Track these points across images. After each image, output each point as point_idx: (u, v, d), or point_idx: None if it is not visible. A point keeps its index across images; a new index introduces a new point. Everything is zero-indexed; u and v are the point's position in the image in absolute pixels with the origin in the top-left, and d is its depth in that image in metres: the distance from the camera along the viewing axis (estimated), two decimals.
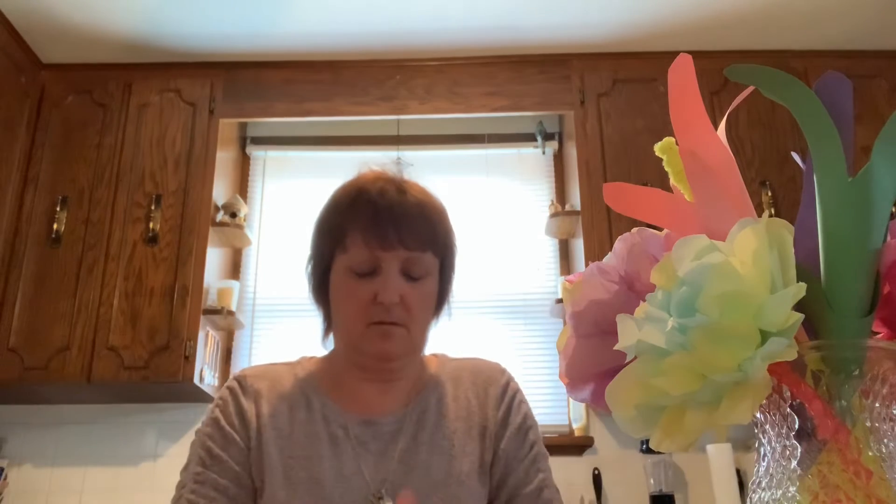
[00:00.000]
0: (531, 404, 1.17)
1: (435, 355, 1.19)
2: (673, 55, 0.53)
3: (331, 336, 1.12)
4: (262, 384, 1.10)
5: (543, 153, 3.16)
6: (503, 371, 1.17)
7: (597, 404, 0.52)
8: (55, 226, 2.71)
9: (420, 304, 1.04)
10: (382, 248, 1.01)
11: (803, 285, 0.43)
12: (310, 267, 1.10)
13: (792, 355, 0.42)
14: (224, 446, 1.04)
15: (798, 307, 0.43)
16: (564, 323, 0.55)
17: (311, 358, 1.17)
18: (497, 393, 1.13)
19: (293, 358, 1.18)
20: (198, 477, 1.02)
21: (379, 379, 1.09)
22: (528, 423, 1.13)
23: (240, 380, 1.10)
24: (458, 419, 1.09)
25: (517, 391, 1.15)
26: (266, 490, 1.02)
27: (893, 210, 0.49)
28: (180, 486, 1.03)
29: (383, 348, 1.03)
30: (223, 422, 1.06)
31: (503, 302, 2.98)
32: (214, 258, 2.82)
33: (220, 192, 2.91)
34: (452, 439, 1.07)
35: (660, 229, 0.54)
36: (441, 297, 1.10)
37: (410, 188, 1.06)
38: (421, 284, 1.04)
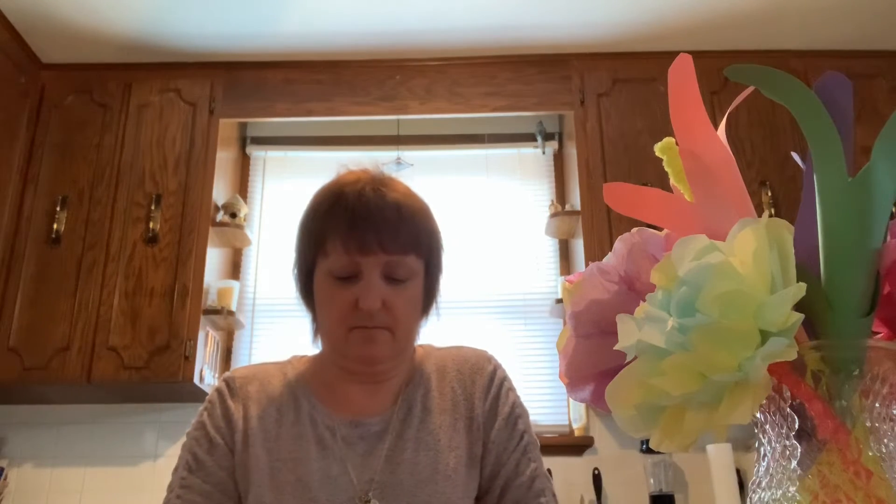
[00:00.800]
0: (531, 404, 1.16)
1: (421, 346, 1.17)
2: (673, 55, 0.53)
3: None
4: (250, 386, 1.10)
5: (543, 153, 3.16)
6: (489, 359, 1.16)
7: (597, 404, 0.52)
8: (55, 226, 2.71)
9: (404, 307, 1.02)
10: (362, 254, 0.99)
11: (803, 285, 0.43)
12: (295, 270, 1.10)
13: (792, 355, 0.42)
14: (209, 450, 1.05)
15: (798, 307, 0.43)
16: (564, 323, 0.55)
17: (302, 357, 1.16)
18: (484, 382, 1.12)
19: (284, 357, 1.18)
20: (184, 482, 1.04)
21: (366, 381, 1.08)
22: (516, 411, 1.11)
23: (228, 381, 1.11)
24: (444, 412, 1.09)
25: (504, 379, 1.14)
26: (252, 492, 1.02)
27: (893, 210, 0.49)
28: (169, 489, 1.05)
29: (367, 353, 1.02)
30: (209, 426, 1.07)
31: (503, 302, 2.98)
32: (214, 258, 2.82)
33: (220, 192, 2.91)
34: (438, 434, 1.07)
35: (660, 229, 0.54)
36: (428, 297, 1.09)
37: (390, 190, 1.02)
38: (404, 287, 1.02)
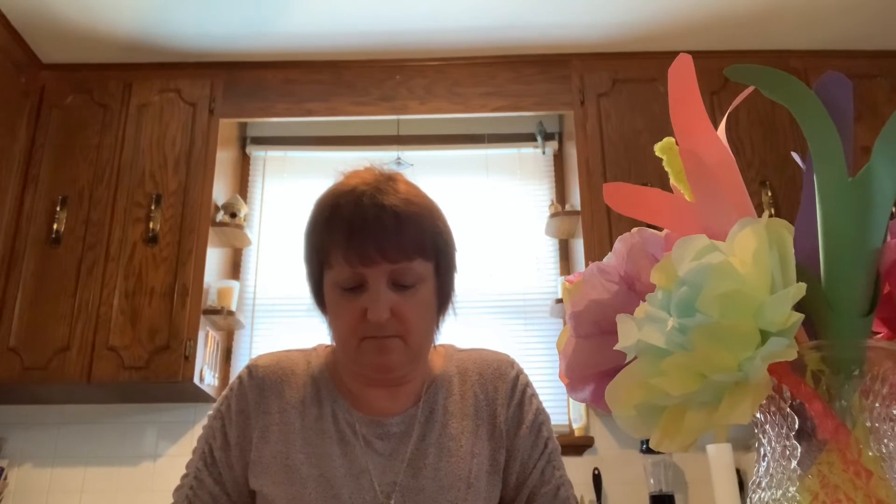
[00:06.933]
0: None
1: (443, 346, 1.16)
2: (673, 55, 0.53)
3: None
4: (273, 376, 1.09)
5: (543, 153, 3.16)
6: (512, 363, 1.15)
7: (597, 404, 0.52)
8: (55, 226, 2.71)
9: (415, 312, 0.99)
10: (364, 265, 0.96)
11: (803, 285, 0.43)
12: (306, 277, 1.08)
13: (792, 355, 0.42)
14: (223, 446, 1.06)
15: (798, 307, 0.43)
16: (564, 323, 0.55)
17: (327, 347, 1.15)
18: (507, 388, 1.11)
19: (309, 345, 1.17)
20: (199, 474, 1.06)
21: (383, 385, 1.07)
22: (540, 418, 1.11)
23: (251, 370, 1.10)
24: (466, 417, 1.08)
25: (527, 385, 1.13)
26: (271, 485, 1.02)
27: (893, 210, 0.49)
28: (187, 471, 1.08)
29: (380, 362, 1.00)
30: (226, 418, 1.07)
31: (503, 302, 2.98)
32: (214, 258, 2.82)
33: (220, 192, 2.91)
34: (460, 440, 1.06)
35: (660, 229, 0.54)
36: (442, 297, 1.06)
37: (389, 195, 0.98)
38: (414, 292, 0.99)
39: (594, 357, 0.53)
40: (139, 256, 2.68)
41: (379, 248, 0.95)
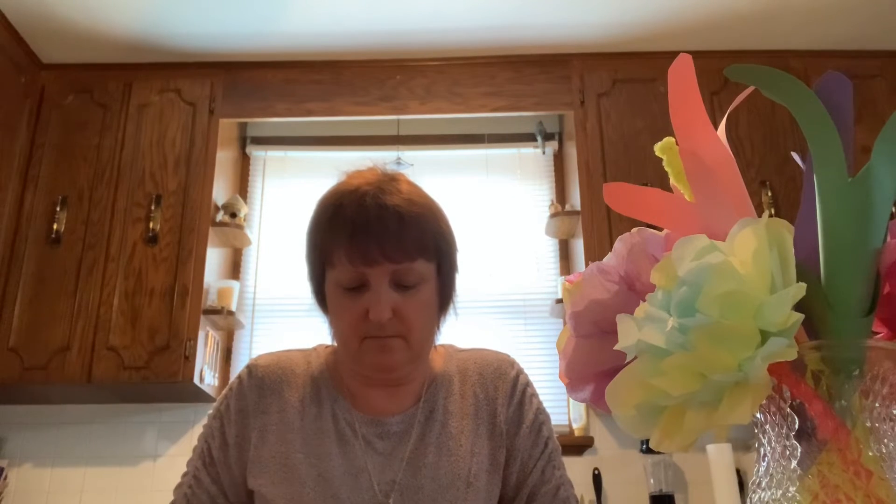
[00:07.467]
0: None
1: (443, 346, 1.16)
2: (673, 55, 0.53)
3: None
4: (273, 376, 1.09)
5: (543, 153, 3.16)
6: (512, 363, 1.15)
7: (597, 404, 0.52)
8: (55, 226, 2.71)
9: (416, 312, 1.00)
10: (366, 265, 0.96)
11: (803, 285, 0.43)
12: (308, 276, 1.08)
13: (792, 355, 0.42)
14: (221, 447, 1.06)
15: (798, 307, 0.43)
16: (564, 323, 0.55)
17: (327, 347, 1.15)
18: (507, 388, 1.11)
19: (309, 345, 1.17)
20: (197, 473, 1.06)
21: (384, 385, 1.07)
22: (540, 418, 1.11)
23: (251, 369, 1.10)
24: (466, 416, 1.08)
25: (527, 384, 1.13)
26: (269, 485, 1.02)
27: (893, 210, 0.49)
28: (187, 468, 1.08)
29: (381, 361, 1.00)
30: (225, 418, 1.07)
31: (503, 302, 2.98)
32: (214, 258, 2.82)
33: (220, 192, 2.91)
34: (460, 439, 1.06)
35: (660, 229, 0.54)
36: (444, 297, 1.06)
37: (392, 195, 0.98)
38: (415, 292, 0.99)
39: (594, 357, 0.53)
40: (139, 256, 2.68)
41: (381, 249, 0.96)
